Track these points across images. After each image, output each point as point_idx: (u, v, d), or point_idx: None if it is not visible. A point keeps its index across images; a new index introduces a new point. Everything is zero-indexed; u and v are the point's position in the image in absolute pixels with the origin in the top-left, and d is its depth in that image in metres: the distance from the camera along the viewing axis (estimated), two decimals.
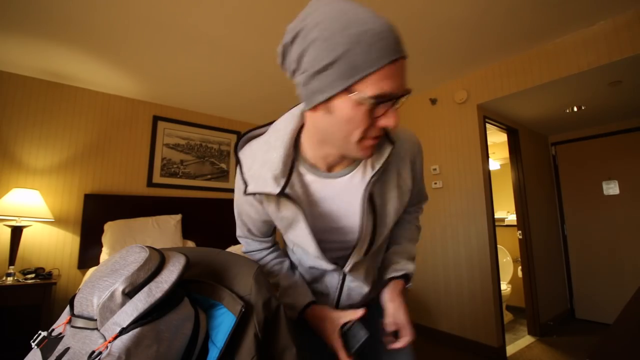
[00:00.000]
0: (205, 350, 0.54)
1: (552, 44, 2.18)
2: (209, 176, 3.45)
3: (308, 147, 0.64)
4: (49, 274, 2.34)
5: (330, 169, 0.66)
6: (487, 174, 2.55)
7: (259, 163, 0.64)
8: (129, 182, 2.94)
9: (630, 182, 3.09)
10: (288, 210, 0.66)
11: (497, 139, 3.82)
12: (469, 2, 1.77)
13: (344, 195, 0.67)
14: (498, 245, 2.71)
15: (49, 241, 2.54)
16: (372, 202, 0.67)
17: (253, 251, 0.84)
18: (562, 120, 3.14)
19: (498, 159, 4.35)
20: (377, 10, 0.51)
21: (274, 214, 0.69)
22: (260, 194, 0.64)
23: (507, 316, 3.24)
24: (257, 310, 0.55)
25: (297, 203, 0.64)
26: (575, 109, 2.80)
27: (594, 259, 3.24)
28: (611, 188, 3.19)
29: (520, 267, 3.06)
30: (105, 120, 2.89)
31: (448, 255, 2.69)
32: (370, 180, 0.65)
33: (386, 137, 0.65)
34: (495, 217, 2.69)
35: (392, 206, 0.70)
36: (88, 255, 2.61)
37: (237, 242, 2.95)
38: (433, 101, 2.91)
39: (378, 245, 0.73)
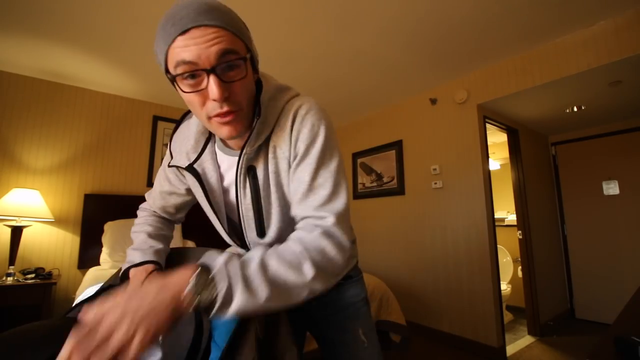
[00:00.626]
0: (207, 350, 0.55)
1: (552, 44, 2.18)
2: None
3: None
4: (49, 274, 2.34)
5: (236, 146, 0.67)
6: (487, 174, 2.55)
7: (181, 139, 0.71)
8: (129, 182, 2.94)
9: (630, 182, 3.09)
10: (197, 186, 0.69)
11: (497, 139, 3.82)
12: (469, 2, 1.77)
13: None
14: (498, 245, 2.71)
15: (49, 241, 2.54)
16: (256, 177, 0.64)
17: (145, 215, 0.85)
18: (562, 120, 3.14)
19: (498, 159, 4.35)
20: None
21: (193, 188, 0.73)
22: (176, 166, 0.70)
23: (507, 316, 3.24)
24: None
25: (200, 178, 0.67)
26: (575, 109, 2.80)
27: (594, 259, 3.24)
28: (611, 188, 3.19)
29: (520, 267, 3.06)
30: (105, 120, 2.89)
31: (448, 255, 2.69)
32: (242, 152, 0.61)
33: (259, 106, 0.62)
34: (495, 217, 2.69)
35: (273, 182, 0.64)
36: (88, 255, 2.61)
37: None
38: (433, 101, 2.91)
39: (277, 226, 0.66)
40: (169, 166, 0.72)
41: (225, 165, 0.68)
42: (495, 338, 2.33)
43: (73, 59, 2.33)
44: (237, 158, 0.64)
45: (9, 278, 2.15)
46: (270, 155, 0.63)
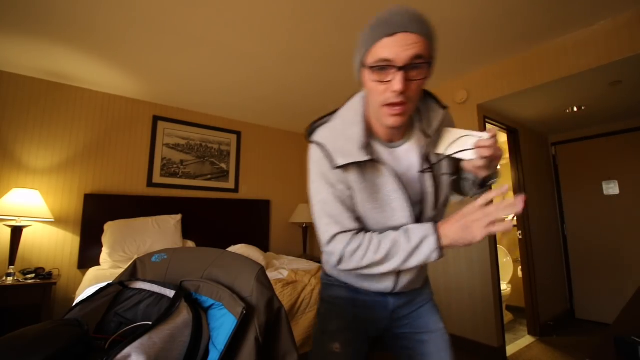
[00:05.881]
0: (206, 353, 0.54)
1: (552, 44, 2.18)
2: (209, 176, 3.45)
3: (374, 121, 0.76)
4: (49, 274, 2.33)
5: (390, 140, 0.78)
6: None
7: (342, 139, 0.73)
8: (129, 182, 2.94)
9: (630, 182, 3.09)
10: (374, 175, 0.74)
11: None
12: (468, 2, 1.77)
13: (404, 161, 0.77)
14: (498, 245, 2.71)
15: (49, 241, 2.54)
16: (429, 162, 0.77)
17: (350, 240, 0.74)
18: (562, 120, 3.14)
19: None
20: (378, 12, 0.56)
21: (356, 185, 0.74)
22: (352, 163, 0.71)
23: (507, 316, 3.24)
24: (258, 312, 0.55)
25: (384, 164, 0.74)
26: (575, 109, 2.80)
27: (594, 259, 3.24)
28: (611, 188, 3.19)
29: (520, 267, 3.06)
30: (105, 120, 2.89)
31: (448, 255, 2.69)
32: (426, 142, 0.76)
33: (438, 104, 0.78)
34: None
35: (444, 166, 0.79)
36: (88, 255, 2.61)
37: (238, 242, 2.95)
38: None
39: (441, 204, 0.81)
40: (340, 167, 0.71)
41: (386, 158, 0.77)
42: (495, 338, 2.33)
43: (73, 59, 2.33)
44: (398, 149, 0.77)
45: (9, 278, 2.15)
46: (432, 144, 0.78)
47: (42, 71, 2.50)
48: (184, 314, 0.54)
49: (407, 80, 0.63)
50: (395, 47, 0.60)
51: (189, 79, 2.69)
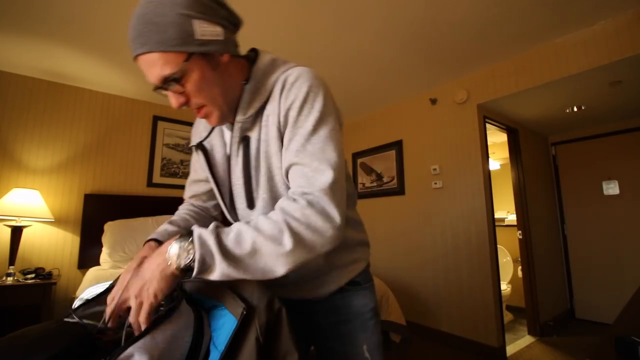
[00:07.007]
0: (207, 353, 0.54)
1: (552, 44, 2.18)
2: None
3: None
4: (49, 274, 2.34)
5: None
6: (487, 174, 2.55)
7: (198, 122, 0.80)
8: (129, 182, 2.94)
9: (630, 182, 3.09)
10: (203, 162, 0.73)
11: (497, 139, 3.82)
12: (469, 2, 1.77)
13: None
14: (498, 245, 2.71)
15: (49, 241, 2.54)
16: (248, 147, 0.65)
17: (180, 207, 0.90)
18: (562, 120, 3.14)
19: (498, 159, 4.35)
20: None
21: (203, 167, 0.75)
22: (191, 146, 0.78)
23: (507, 316, 3.24)
24: (259, 313, 0.55)
25: (206, 153, 0.72)
26: (575, 109, 2.80)
27: (594, 259, 3.24)
28: (611, 188, 3.19)
29: (520, 267, 3.06)
30: (105, 120, 2.89)
31: (448, 255, 2.69)
32: (234, 121, 0.65)
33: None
34: (495, 217, 2.69)
35: (262, 151, 0.64)
36: (88, 255, 2.61)
37: None
38: (433, 101, 2.91)
39: (262, 197, 0.65)
40: (188, 148, 0.80)
41: (229, 140, 0.72)
42: (495, 338, 2.33)
43: (73, 59, 2.33)
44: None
45: (9, 278, 2.15)
46: (263, 124, 0.64)
47: (42, 71, 2.50)
48: (185, 315, 0.54)
49: (178, 94, 0.57)
50: (144, 72, 0.55)
51: None
